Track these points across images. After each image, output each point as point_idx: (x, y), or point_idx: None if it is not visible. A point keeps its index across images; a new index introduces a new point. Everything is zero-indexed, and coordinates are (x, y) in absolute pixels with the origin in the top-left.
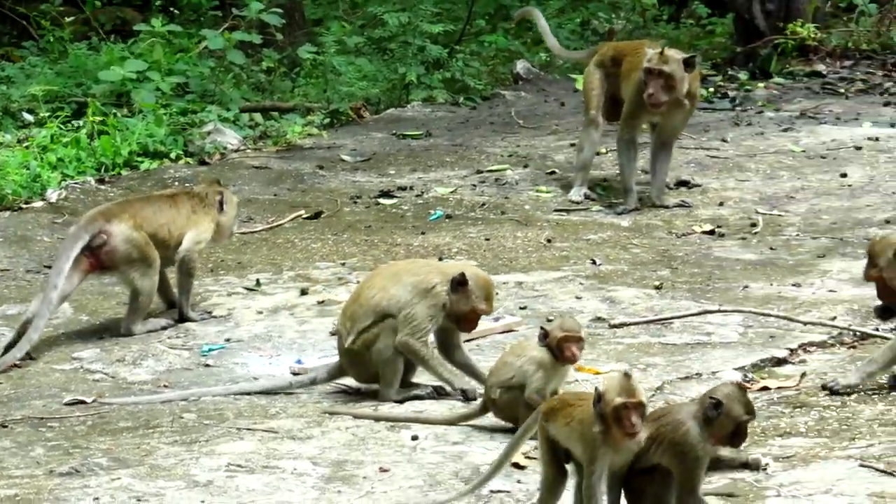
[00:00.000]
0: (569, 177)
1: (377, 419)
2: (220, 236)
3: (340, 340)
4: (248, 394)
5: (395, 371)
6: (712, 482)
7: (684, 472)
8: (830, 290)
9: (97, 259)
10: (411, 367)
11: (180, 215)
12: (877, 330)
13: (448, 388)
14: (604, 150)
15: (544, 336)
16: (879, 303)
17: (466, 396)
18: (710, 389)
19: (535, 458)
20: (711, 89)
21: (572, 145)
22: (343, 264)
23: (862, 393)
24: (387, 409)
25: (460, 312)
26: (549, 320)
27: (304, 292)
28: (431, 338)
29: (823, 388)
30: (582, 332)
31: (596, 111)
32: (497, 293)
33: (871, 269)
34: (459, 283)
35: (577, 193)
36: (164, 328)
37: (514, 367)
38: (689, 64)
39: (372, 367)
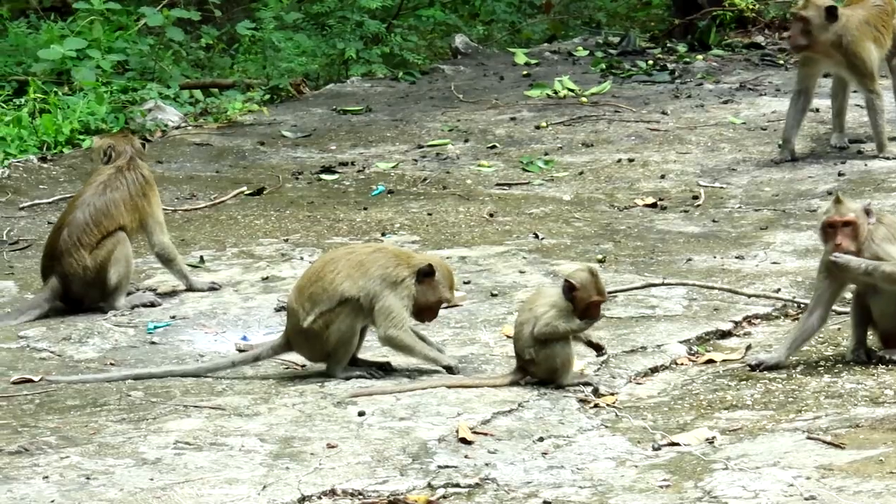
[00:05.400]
0: (509, 151)
1: (414, 389)
2: None
3: (293, 318)
4: (191, 375)
5: (348, 351)
6: (659, 455)
7: None
8: (774, 262)
9: None
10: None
11: None
12: None
13: (436, 367)
14: (544, 124)
15: (570, 289)
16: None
17: (451, 371)
18: None
19: (482, 434)
20: (650, 62)
21: (512, 119)
22: (286, 240)
23: (807, 365)
24: (425, 380)
25: (426, 303)
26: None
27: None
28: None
29: (750, 367)
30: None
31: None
32: None
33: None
34: (426, 273)
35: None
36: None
37: (531, 323)
38: (830, 13)
39: (327, 345)
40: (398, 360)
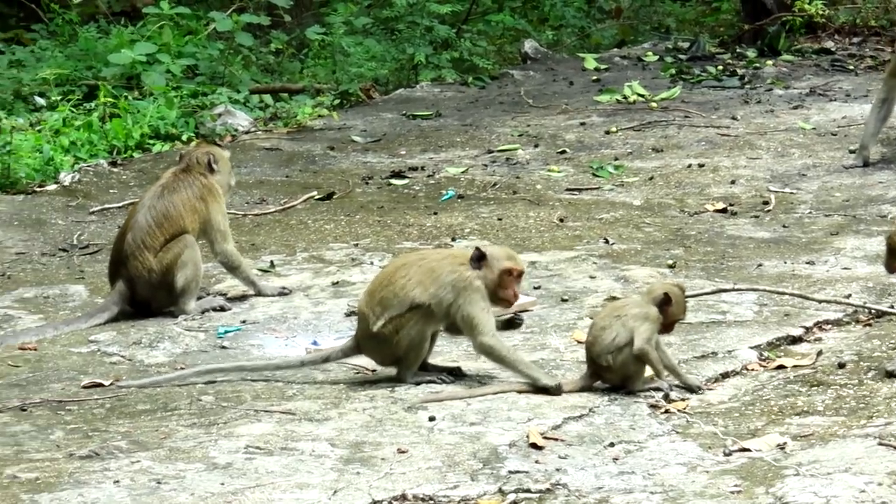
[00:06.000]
0: (579, 156)
1: (485, 394)
2: None
3: (363, 322)
4: (261, 370)
5: (419, 356)
6: (730, 461)
7: None
8: (844, 268)
9: None
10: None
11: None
12: (892, 307)
13: (531, 382)
14: (614, 129)
15: (666, 302)
16: None
17: (549, 392)
18: None
19: (553, 439)
20: (720, 67)
21: (582, 124)
22: (356, 245)
23: (879, 371)
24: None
25: (493, 283)
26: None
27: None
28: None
29: (889, 375)
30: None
31: None
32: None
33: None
34: (479, 257)
35: None
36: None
37: (616, 328)
38: None
39: (397, 350)
40: (468, 364)
